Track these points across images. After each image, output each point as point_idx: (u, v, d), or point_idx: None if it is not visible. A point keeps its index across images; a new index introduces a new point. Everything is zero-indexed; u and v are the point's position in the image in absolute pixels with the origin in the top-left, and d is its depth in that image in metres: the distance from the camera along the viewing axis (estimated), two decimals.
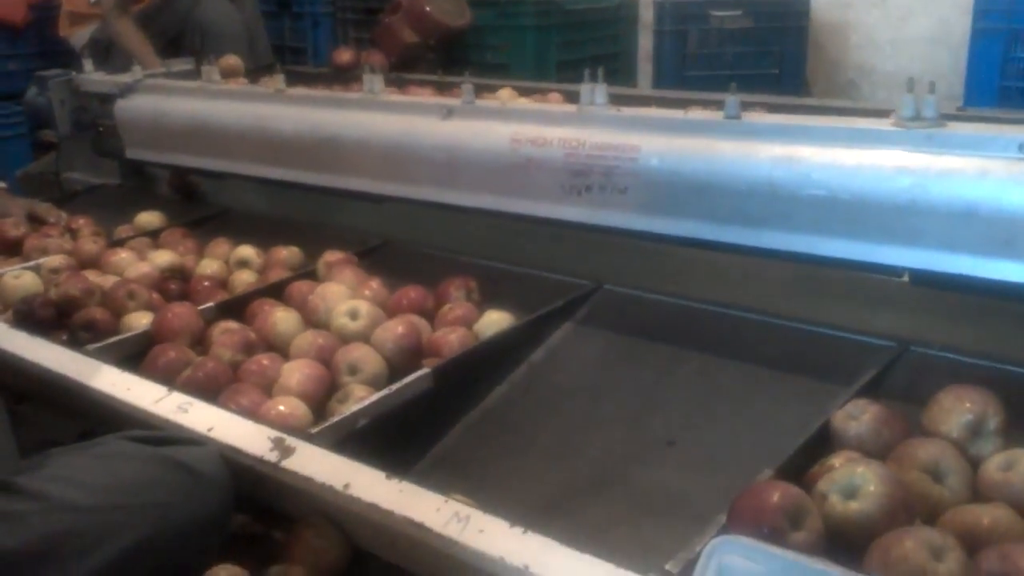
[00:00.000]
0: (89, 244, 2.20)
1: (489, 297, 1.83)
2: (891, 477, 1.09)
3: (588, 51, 3.83)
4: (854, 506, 1.06)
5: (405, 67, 3.59)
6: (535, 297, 1.80)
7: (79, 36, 3.84)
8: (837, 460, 1.18)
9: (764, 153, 1.51)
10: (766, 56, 3.71)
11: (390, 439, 1.46)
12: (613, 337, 1.71)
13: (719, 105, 1.62)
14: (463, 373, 1.59)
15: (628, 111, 1.73)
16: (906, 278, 1.45)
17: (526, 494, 1.41)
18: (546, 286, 1.86)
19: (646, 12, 4.13)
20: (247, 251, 2.12)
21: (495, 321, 1.72)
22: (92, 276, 2.01)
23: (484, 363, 1.63)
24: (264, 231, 2.29)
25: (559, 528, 1.06)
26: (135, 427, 1.37)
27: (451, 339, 1.65)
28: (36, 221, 2.45)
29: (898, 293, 1.53)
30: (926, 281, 1.43)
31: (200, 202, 2.71)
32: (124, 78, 2.69)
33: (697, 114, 1.65)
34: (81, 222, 2.43)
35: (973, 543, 1.02)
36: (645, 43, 4.16)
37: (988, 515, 1.07)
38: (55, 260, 2.11)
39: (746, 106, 1.61)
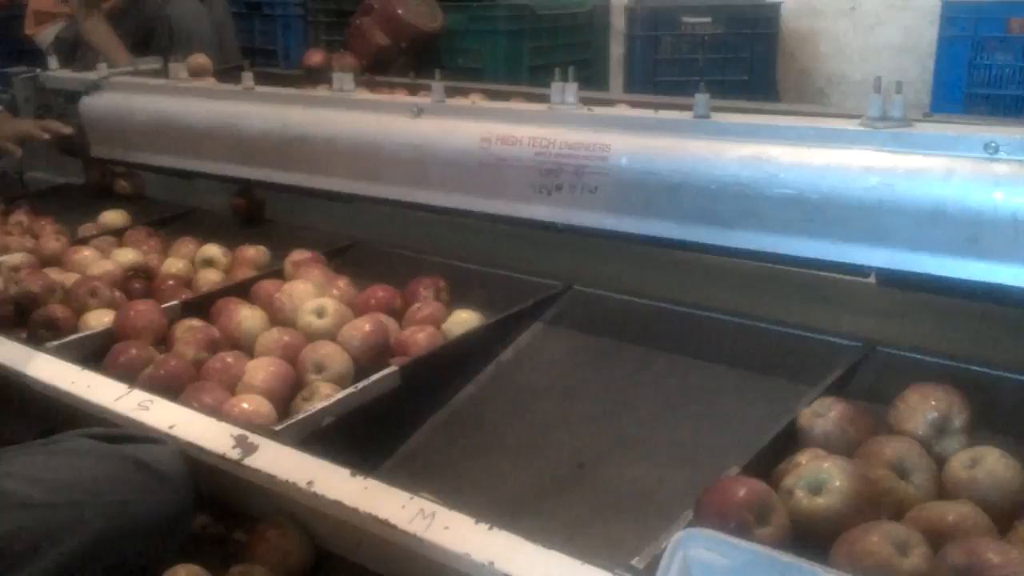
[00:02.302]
0: (51, 242, 2.16)
1: (458, 297, 1.82)
2: (857, 473, 1.09)
3: (560, 56, 3.84)
4: (820, 501, 1.06)
5: (377, 70, 3.58)
6: (505, 297, 1.79)
7: (45, 34, 3.78)
8: (803, 457, 1.18)
9: (733, 153, 1.52)
10: (736, 63, 3.74)
11: (356, 437, 1.44)
12: (582, 337, 1.71)
13: (689, 110, 1.62)
14: (431, 372, 1.58)
15: (598, 110, 1.73)
16: (872, 278, 1.46)
17: (494, 493, 1.40)
18: (516, 286, 1.85)
19: (618, 18, 4.15)
20: (213, 250, 2.09)
21: (464, 320, 1.71)
22: (54, 274, 1.97)
23: (452, 362, 1.62)
24: (231, 231, 2.26)
25: (527, 526, 1.05)
26: (95, 425, 1.34)
27: (419, 338, 1.64)
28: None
29: (865, 293, 1.54)
30: (892, 281, 1.43)
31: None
32: (90, 76, 2.65)
33: (667, 113, 1.65)
34: (43, 222, 2.39)
35: (938, 539, 1.02)
36: (617, 49, 4.18)
37: (953, 512, 1.07)
38: (16, 258, 2.07)
39: (717, 111, 1.61)
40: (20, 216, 2.42)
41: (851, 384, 1.42)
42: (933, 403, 1.23)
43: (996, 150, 1.32)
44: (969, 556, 0.93)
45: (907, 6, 3.73)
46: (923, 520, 1.07)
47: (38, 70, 2.91)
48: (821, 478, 1.08)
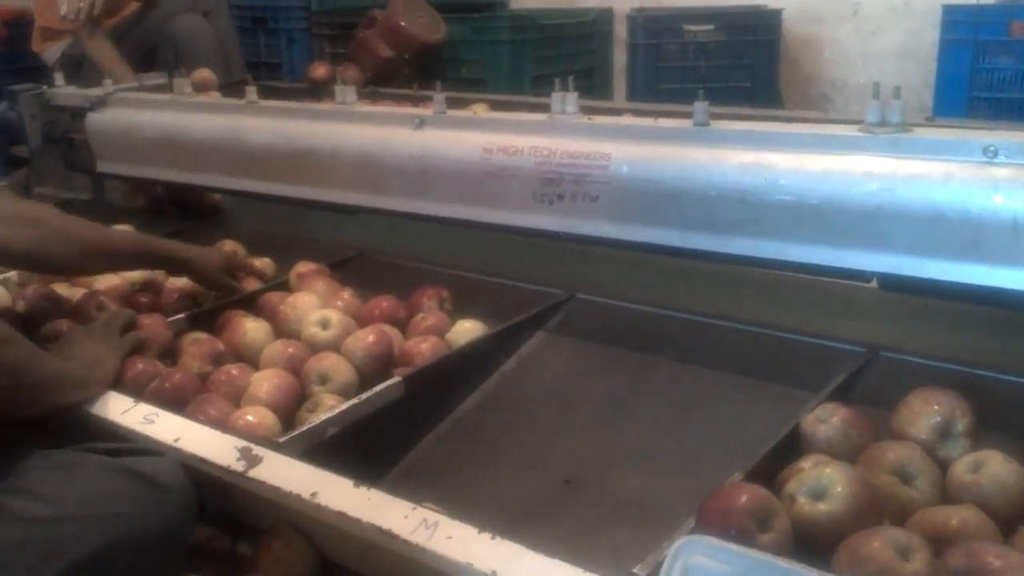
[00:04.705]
0: None
1: (462, 307, 1.83)
2: (858, 478, 1.09)
3: (563, 66, 3.85)
4: (822, 507, 1.06)
5: (380, 82, 3.59)
6: (508, 306, 1.80)
7: (52, 51, 3.82)
8: (806, 463, 1.18)
9: (733, 160, 1.52)
10: (739, 69, 3.74)
11: (361, 448, 1.45)
12: (585, 345, 1.71)
13: (691, 118, 1.62)
14: (434, 382, 1.58)
15: (599, 119, 1.73)
16: (874, 283, 1.46)
17: (498, 502, 1.40)
18: (519, 295, 1.86)
19: (620, 27, 4.15)
20: None
21: (467, 330, 1.71)
22: (61, 289, 1.98)
23: (456, 372, 1.62)
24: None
25: (531, 535, 1.06)
26: (101, 438, 1.35)
27: (423, 348, 1.65)
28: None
29: (867, 298, 1.54)
30: (894, 286, 1.43)
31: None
32: (95, 92, 2.67)
33: (667, 122, 1.65)
34: None
35: (942, 544, 1.02)
36: (620, 57, 4.19)
37: (956, 516, 1.07)
38: (24, 273, 2.08)
39: (721, 117, 1.62)
40: None
41: (854, 389, 1.42)
42: (936, 407, 1.23)
43: (995, 154, 1.31)
44: (970, 559, 0.93)
45: (908, 11, 3.73)
46: (926, 525, 1.07)
47: (44, 87, 2.93)
48: (823, 484, 1.08)
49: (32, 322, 1.84)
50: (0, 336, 1.27)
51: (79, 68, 3.54)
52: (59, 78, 2.90)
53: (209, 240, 2.26)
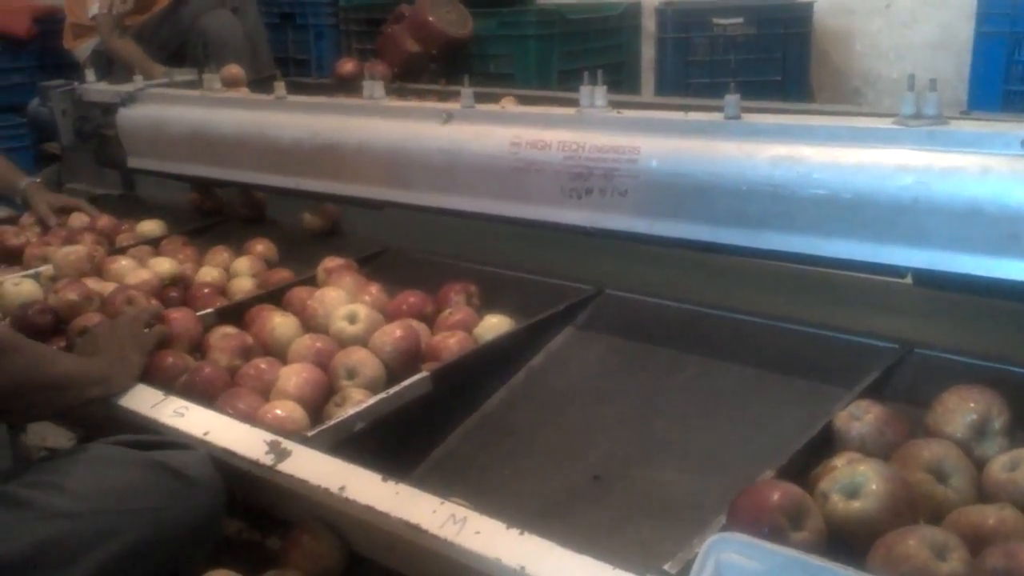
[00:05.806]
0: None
1: (489, 302, 1.82)
2: (893, 476, 1.07)
3: (591, 60, 3.83)
4: (856, 505, 1.05)
5: (408, 77, 3.60)
6: (536, 302, 1.79)
7: (84, 48, 3.87)
8: (839, 461, 1.17)
9: (764, 153, 1.50)
10: (769, 63, 3.71)
11: (388, 443, 1.45)
12: (614, 341, 1.70)
13: (721, 111, 1.60)
14: (462, 377, 1.58)
15: (628, 113, 1.71)
16: (909, 279, 1.43)
17: (525, 498, 1.39)
18: (547, 291, 1.85)
19: (649, 20, 4.13)
20: (245, 264, 2.11)
21: (495, 325, 1.71)
22: (92, 283, 2.00)
23: (483, 367, 1.62)
24: (261, 237, 2.28)
25: (559, 531, 1.05)
26: (131, 432, 1.36)
27: (450, 343, 1.64)
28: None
29: (901, 294, 1.52)
30: (929, 281, 1.41)
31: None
32: (126, 88, 2.69)
33: (697, 115, 1.63)
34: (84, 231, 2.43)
35: (978, 543, 1.00)
36: (648, 51, 4.16)
37: (993, 515, 1.05)
38: (56, 268, 2.10)
39: (749, 112, 1.60)
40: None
41: (888, 387, 1.39)
42: (972, 405, 1.21)
43: None
44: (1008, 559, 0.91)
45: (943, 3, 3.68)
46: (962, 524, 1.05)
47: (75, 83, 2.96)
48: (857, 481, 1.07)
49: (63, 316, 1.85)
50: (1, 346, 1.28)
51: (110, 64, 3.58)
52: (90, 74, 2.93)
53: (242, 239, 2.28)
